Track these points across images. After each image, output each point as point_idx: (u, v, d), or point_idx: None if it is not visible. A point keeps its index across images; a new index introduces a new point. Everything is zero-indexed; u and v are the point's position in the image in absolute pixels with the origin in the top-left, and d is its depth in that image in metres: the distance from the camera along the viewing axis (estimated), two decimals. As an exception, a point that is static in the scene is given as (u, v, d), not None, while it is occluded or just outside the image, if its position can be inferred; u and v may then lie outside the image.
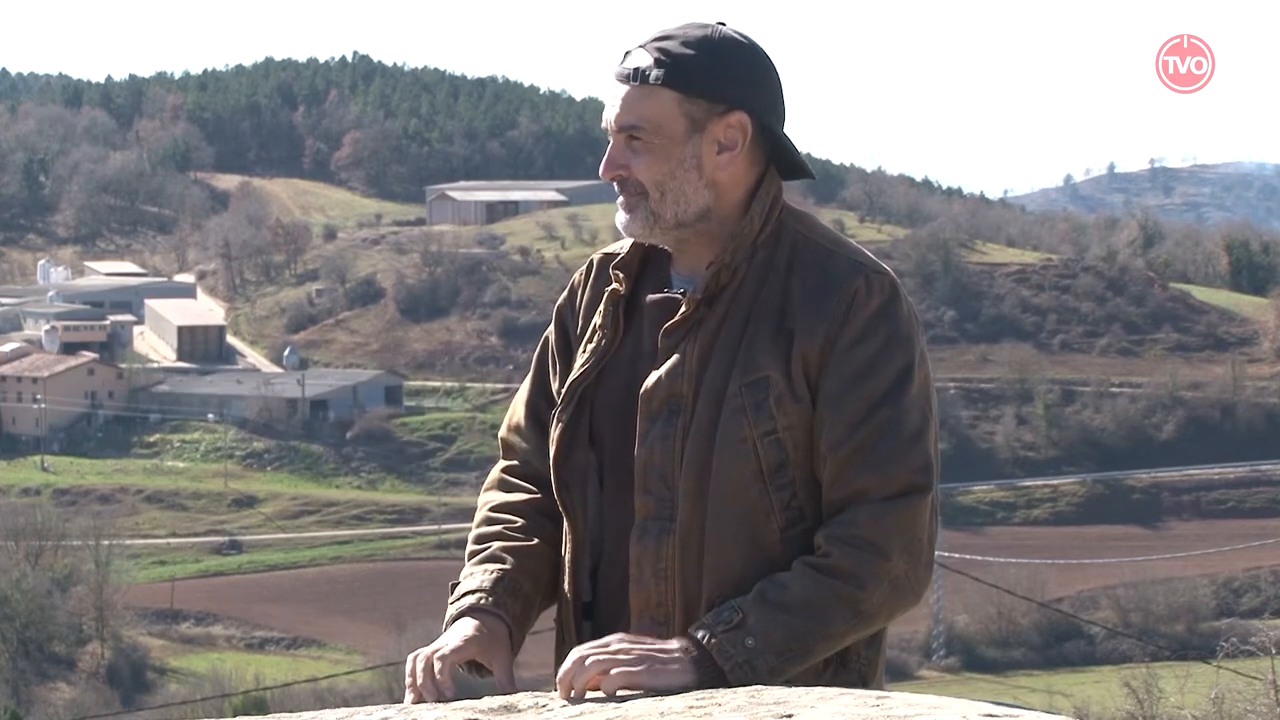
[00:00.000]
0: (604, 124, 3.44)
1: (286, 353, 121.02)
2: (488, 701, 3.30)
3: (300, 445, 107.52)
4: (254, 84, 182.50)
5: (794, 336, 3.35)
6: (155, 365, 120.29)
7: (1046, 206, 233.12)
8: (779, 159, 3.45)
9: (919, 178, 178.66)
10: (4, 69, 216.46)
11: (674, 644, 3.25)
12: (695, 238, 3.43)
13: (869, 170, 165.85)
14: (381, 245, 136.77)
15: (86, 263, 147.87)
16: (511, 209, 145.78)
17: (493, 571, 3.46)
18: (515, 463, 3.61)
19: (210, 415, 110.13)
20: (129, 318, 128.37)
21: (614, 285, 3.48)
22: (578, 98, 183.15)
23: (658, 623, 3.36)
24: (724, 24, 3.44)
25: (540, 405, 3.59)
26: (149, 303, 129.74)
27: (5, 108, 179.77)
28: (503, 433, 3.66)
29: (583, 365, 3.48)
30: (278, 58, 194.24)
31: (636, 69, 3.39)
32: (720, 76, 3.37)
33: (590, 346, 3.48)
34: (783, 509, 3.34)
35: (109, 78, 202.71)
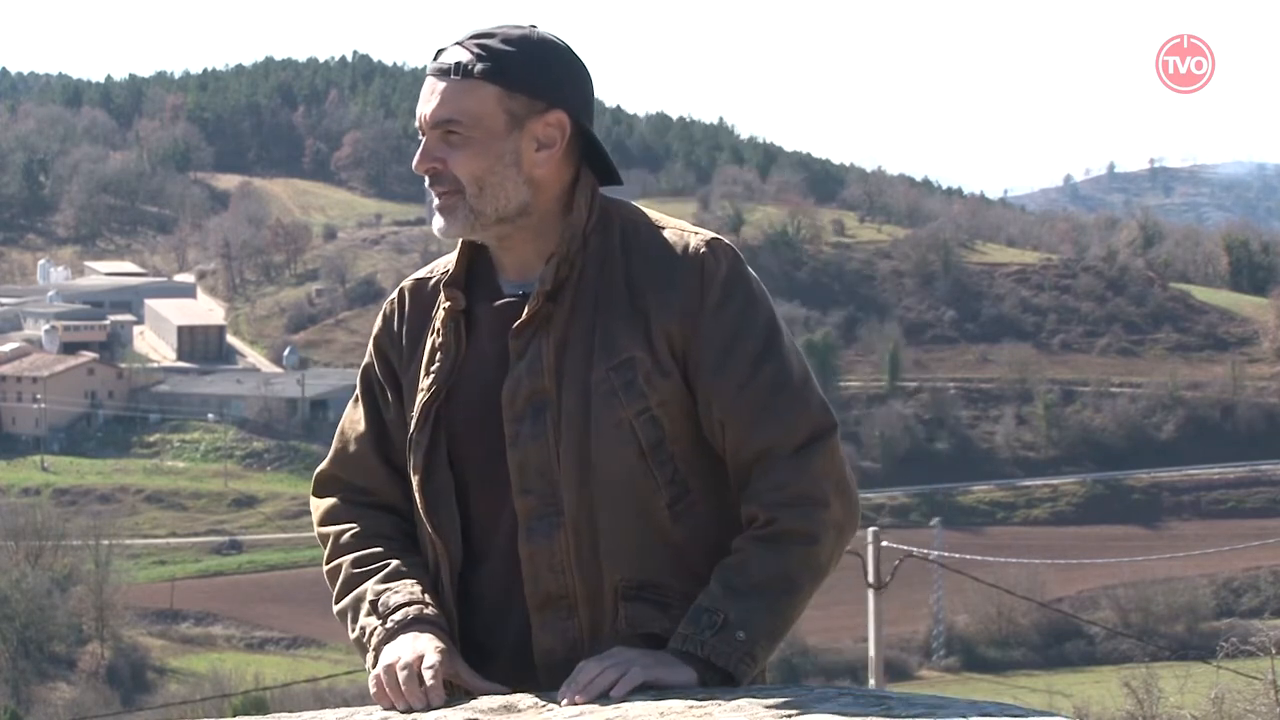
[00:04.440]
0: (418, 120, 3.45)
1: (286, 352, 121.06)
2: (488, 701, 3.30)
3: (300, 445, 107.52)
4: (254, 84, 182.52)
5: (649, 316, 3.36)
6: (155, 365, 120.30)
7: (1046, 206, 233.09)
8: (591, 159, 3.47)
9: (919, 178, 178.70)
10: (4, 69, 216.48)
11: (665, 653, 3.28)
12: (517, 233, 3.44)
13: (869, 170, 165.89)
14: (381, 245, 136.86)
15: (86, 263, 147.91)
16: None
17: (414, 585, 3.43)
18: (353, 494, 3.57)
19: (210, 415, 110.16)
20: (129, 318, 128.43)
21: (448, 303, 3.46)
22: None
23: (561, 617, 3.36)
24: (535, 27, 3.46)
25: (379, 434, 3.55)
26: (149, 303, 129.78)
27: (5, 108, 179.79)
28: (327, 468, 3.60)
29: (430, 386, 3.45)
30: (278, 58, 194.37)
31: (458, 63, 3.40)
32: (541, 74, 3.39)
33: (434, 367, 3.46)
34: (667, 484, 3.36)
35: (109, 78, 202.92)
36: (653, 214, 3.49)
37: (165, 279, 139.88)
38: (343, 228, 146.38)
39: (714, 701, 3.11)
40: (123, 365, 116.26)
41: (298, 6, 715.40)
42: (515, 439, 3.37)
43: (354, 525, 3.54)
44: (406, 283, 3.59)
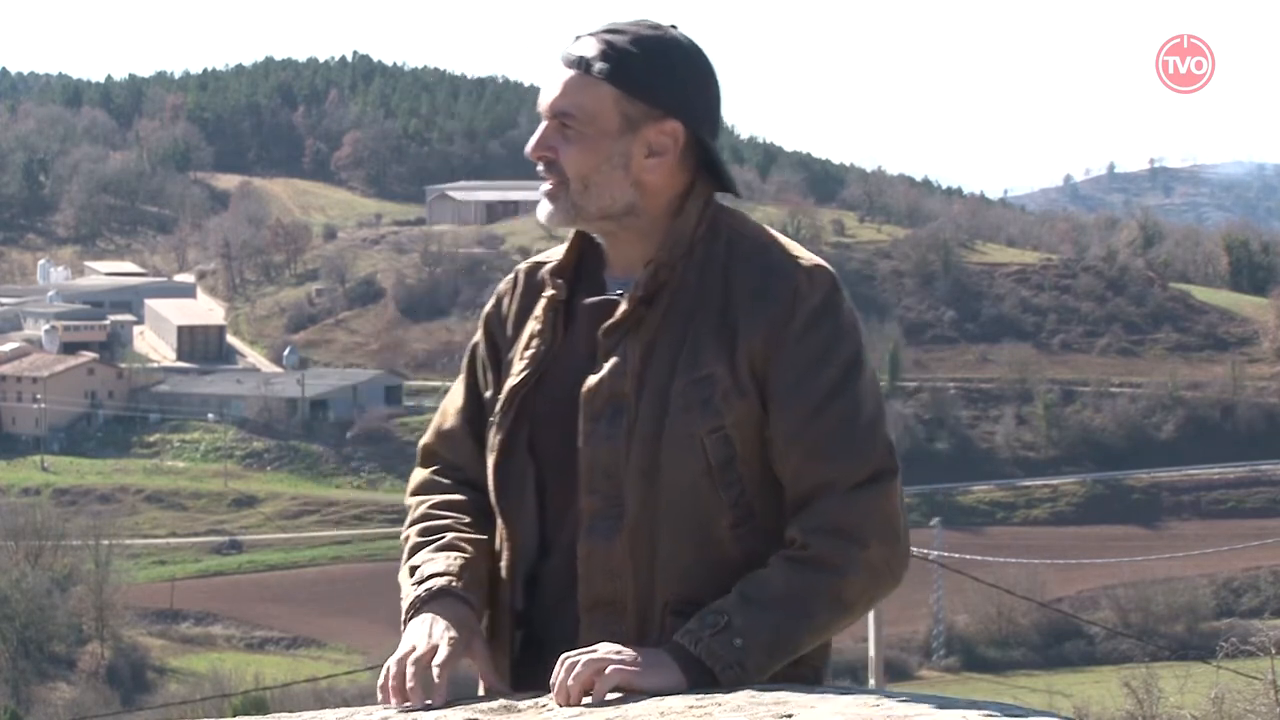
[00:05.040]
0: (539, 105, 3.44)
1: (286, 352, 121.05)
2: (488, 702, 3.30)
3: (300, 445, 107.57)
4: (254, 84, 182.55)
5: (737, 332, 3.35)
6: (155, 365, 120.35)
7: (1046, 206, 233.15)
8: (710, 168, 3.46)
9: (919, 178, 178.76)
10: (4, 69, 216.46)
11: (661, 650, 3.26)
12: (623, 232, 3.44)
13: (869, 170, 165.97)
14: (381, 245, 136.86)
15: (86, 263, 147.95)
16: (511, 209, 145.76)
17: (456, 558, 3.44)
18: (447, 468, 3.60)
19: (210, 415, 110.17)
20: (129, 317, 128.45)
21: (551, 291, 3.47)
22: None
23: (611, 621, 3.35)
24: (675, 27, 3.44)
25: (475, 412, 3.57)
26: (149, 303, 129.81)
27: (5, 108, 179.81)
28: (429, 440, 3.63)
29: (521, 371, 3.46)
30: (278, 58, 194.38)
31: (581, 57, 3.38)
32: (662, 82, 3.37)
33: (529, 353, 3.47)
34: (731, 505, 3.34)
35: (109, 78, 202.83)
36: (766, 231, 3.47)
37: (165, 279, 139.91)
38: (343, 228, 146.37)
39: (714, 702, 3.11)
40: (123, 365, 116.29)
41: (298, 6, 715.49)
42: (589, 437, 3.37)
43: (435, 498, 3.56)
44: (523, 264, 3.60)
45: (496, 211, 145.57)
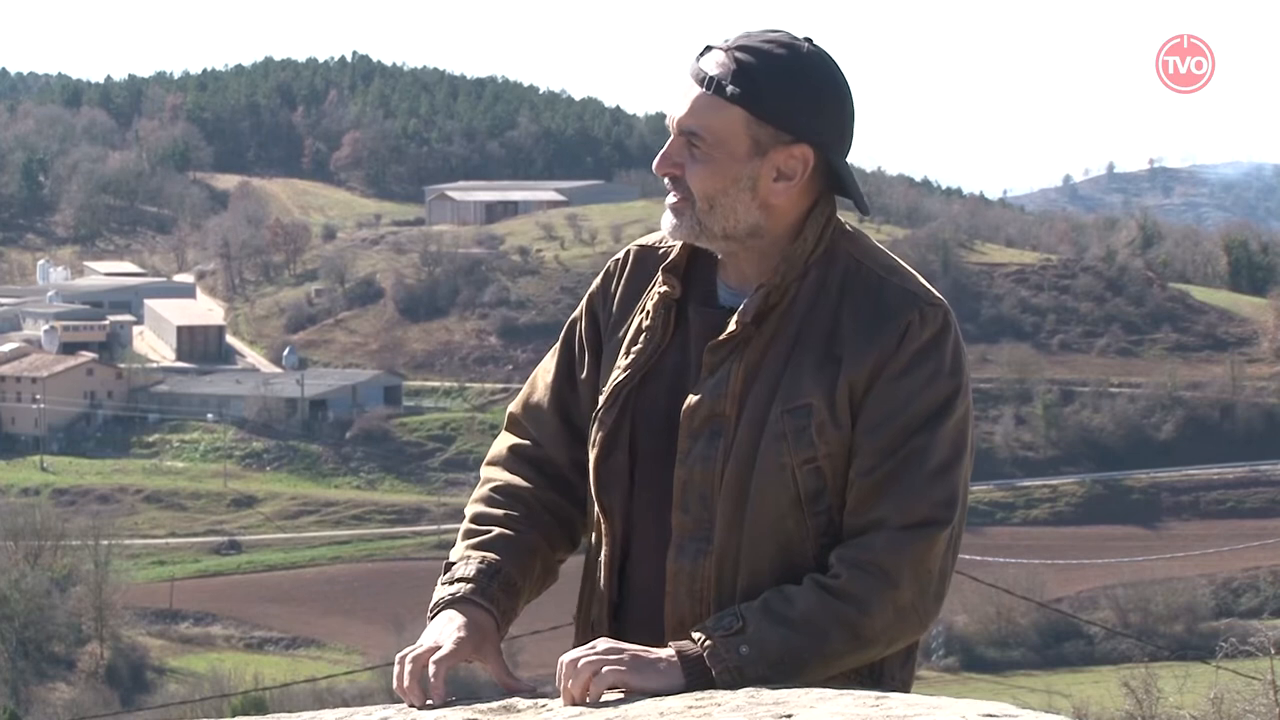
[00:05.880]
0: (668, 119, 3.42)
1: (286, 353, 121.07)
2: (487, 702, 3.30)
3: (299, 445, 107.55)
4: (254, 84, 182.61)
5: (841, 364, 3.32)
6: (154, 365, 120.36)
7: (1046, 206, 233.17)
8: (838, 185, 3.45)
9: (919, 178, 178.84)
10: (4, 69, 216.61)
11: (664, 650, 3.25)
12: (744, 251, 3.41)
13: (869, 170, 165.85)
14: (381, 245, 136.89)
15: (86, 263, 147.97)
16: (511, 209, 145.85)
17: (487, 561, 3.43)
18: (527, 443, 3.57)
19: (209, 415, 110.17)
20: (128, 318, 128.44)
21: (665, 288, 3.44)
22: (577, 98, 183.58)
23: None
24: (810, 40, 3.41)
25: (564, 390, 3.56)
26: (148, 303, 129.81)
27: (5, 108, 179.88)
28: (515, 407, 3.61)
29: (628, 368, 3.44)
30: (277, 58, 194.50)
31: (712, 77, 3.35)
32: (793, 106, 3.34)
33: (636, 349, 3.44)
34: (819, 535, 3.33)
35: (109, 78, 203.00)
36: (883, 259, 3.46)
37: (165, 279, 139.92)
38: (342, 228, 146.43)
39: (713, 702, 3.11)
40: (122, 365, 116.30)
41: (298, 6, 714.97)
42: (686, 455, 3.36)
43: (501, 479, 3.55)
44: (634, 246, 3.57)
45: (495, 211, 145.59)
